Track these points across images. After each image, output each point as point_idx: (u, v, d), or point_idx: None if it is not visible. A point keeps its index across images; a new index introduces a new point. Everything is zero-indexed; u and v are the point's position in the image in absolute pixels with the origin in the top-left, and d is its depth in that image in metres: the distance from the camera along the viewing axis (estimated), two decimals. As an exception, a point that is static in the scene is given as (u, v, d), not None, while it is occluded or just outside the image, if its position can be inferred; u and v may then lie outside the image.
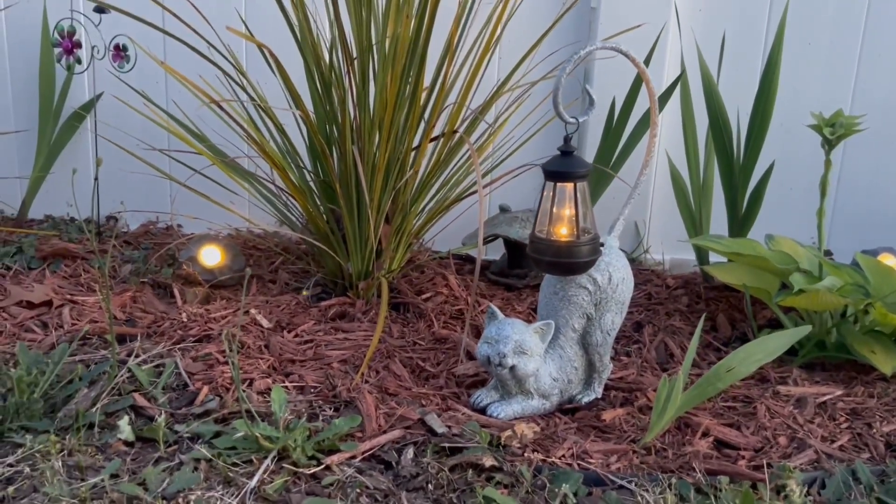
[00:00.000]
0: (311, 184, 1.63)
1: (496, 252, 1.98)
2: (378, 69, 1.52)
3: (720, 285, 1.81)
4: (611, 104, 1.79)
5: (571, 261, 1.17)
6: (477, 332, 1.51)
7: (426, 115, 1.60)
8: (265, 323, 1.48)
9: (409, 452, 1.09)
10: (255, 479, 1.02)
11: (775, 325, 1.65)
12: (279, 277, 1.76)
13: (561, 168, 1.15)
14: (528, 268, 1.86)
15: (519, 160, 1.88)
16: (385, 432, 1.14)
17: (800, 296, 1.44)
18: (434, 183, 1.68)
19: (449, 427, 1.16)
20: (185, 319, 1.47)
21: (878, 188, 2.00)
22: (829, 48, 1.90)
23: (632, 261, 2.03)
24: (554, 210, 1.17)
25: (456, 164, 1.72)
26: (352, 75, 1.47)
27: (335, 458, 1.07)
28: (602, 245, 1.21)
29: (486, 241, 1.88)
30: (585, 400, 1.28)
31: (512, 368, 1.19)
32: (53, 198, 2.14)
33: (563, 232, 1.18)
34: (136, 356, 1.33)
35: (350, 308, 1.57)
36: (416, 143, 1.61)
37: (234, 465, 1.05)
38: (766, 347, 1.17)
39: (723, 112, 1.72)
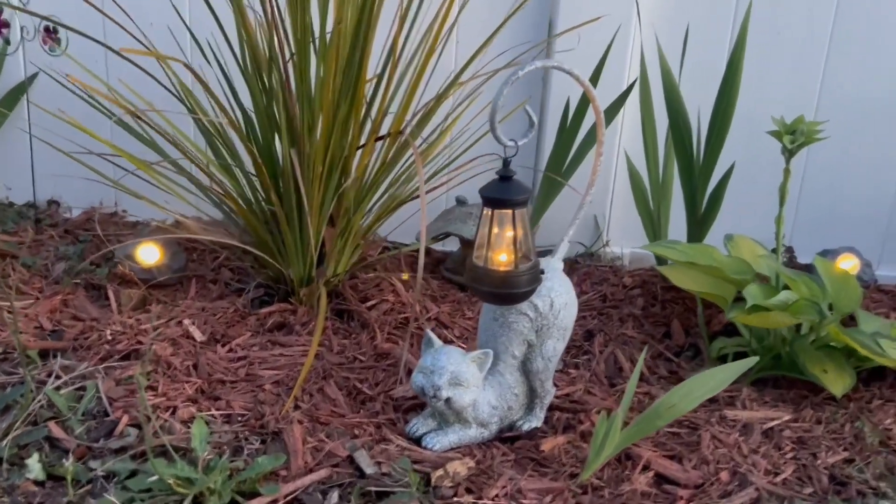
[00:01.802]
0: (247, 185, 1.55)
1: (454, 244, 1.92)
2: (318, 62, 1.43)
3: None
4: (565, 104, 1.71)
5: (510, 291, 1.11)
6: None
7: (373, 112, 1.52)
8: (198, 336, 1.42)
9: (334, 497, 1.04)
10: (168, 530, 0.97)
11: (732, 331, 1.61)
12: (221, 276, 1.69)
13: (499, 195, 1.09)
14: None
15: (480, 150, 1.81)
16: (312, 470, 1.09)
17: (751, 314, 1.39)
18: (382, 181, 1.61)
19: (380, 464, 1.11)
20: (113, 332, 1.40)
21: (844, 184, 1.95)
22: (798, 39, 1.83)
23: (590, 255, 1.98)
24: (492, 237, 1.11)
25: (407, 160, 1.64)
26: (284, 69, 1.38)
27: (254, 502, 1.02)
28: (543, 272, 1.15)
29: (438, 238, 1.82)
30: (526, 427, 1.24)
31: (447, 400, 1.14)
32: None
33: (501, 260, 1.12)
34: (57, 377, 1.26)
35: (291, 316, 1.51)
36: (362, 141, 1.54)
37: (148, 512, 1.00)
38: (709, 383, 1.13)
39: (683, 111, 1.65)
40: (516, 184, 1.10)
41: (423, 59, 1.50)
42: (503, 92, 1.04)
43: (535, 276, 1.13)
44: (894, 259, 1.97)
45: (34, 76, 1.96)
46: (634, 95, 1.78)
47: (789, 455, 1.22)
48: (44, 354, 1.35)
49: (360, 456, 1.10)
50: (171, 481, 1.00)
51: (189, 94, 1.55)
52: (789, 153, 1.48)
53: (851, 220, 1.97)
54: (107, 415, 1.19)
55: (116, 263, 1.65)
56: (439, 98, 1.61)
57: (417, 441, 1.19)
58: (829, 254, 1.86)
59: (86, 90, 1.51)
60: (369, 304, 1.54)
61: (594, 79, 1.63)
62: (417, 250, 1.88)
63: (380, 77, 1.52)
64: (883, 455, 1.23)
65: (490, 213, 1.10)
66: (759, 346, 1.53)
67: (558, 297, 1.18)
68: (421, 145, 1.68)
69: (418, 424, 1.21)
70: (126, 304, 1.58)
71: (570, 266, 1.91)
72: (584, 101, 1.64)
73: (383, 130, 1.52)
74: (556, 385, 1.39)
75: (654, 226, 1.79)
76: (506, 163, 1.09)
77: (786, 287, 1.46)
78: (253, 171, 1.55)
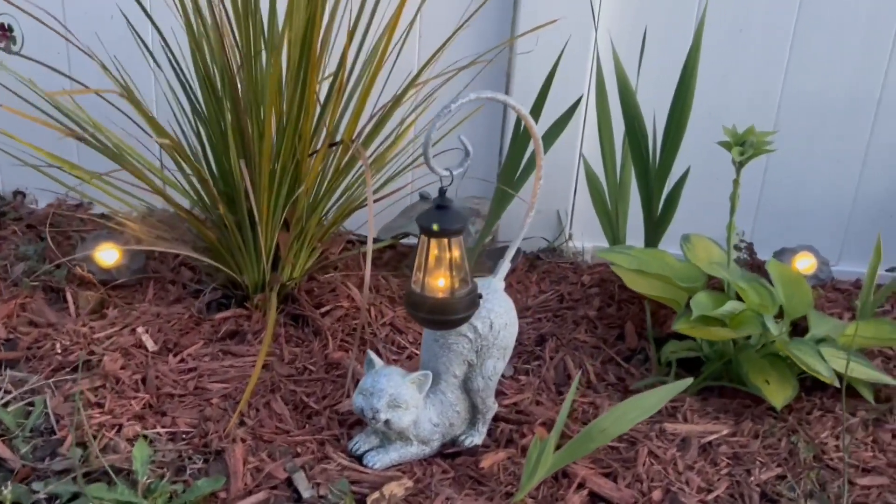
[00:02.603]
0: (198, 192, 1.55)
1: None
2: (266, 65, 1.42)
3: (636, 285, 1.78)
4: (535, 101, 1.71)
5: (446, 318, 1.12)
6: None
7: (326, 119, 1.52)
8: (150, 345, 1.43)
9: (270, 521, 1.07)
10: (103, 559, 0.99)
11: (684, 335, 1.63)
12: (181, 277, 1.70)
13: (434, 224, 1.10)
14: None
15: (446, 145, 1.81)
16: (251, 493, 1.12)
17: (693, 327, 1.41)
18: (339, 186, 1.61)
19: (318, 485, 1.13)
20: (64, 343, 1.41)
21: (806, 180, 1.95)
22: (760, 39, 1.82)
23: (552, 250, 1.99)
24: (428, 264, 1.12)
25: (368, 160, 1.64)
26: (230, 77, 1.38)
27: (192, 528, 1.05)
28: (480, 297, 1.16)
29: (398, 237, 1.83)
30: (468, 443, 1.26)
31: (386, 422, 1.16)
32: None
33: (437, 286, 1.13)
34: (7, 391, 1.28)
35: (246, 322, 1.53)
36: (318, 145, 1.54)
37: (86, 538, 1.02)
38: (642, 405, 1.15)
39: (638, 114, 1.65)
40: (453, 212, 1.10)
41: (376, 63, 1.49)
42: (436, 125, 1.04)
43: (473, 300, 1.14)
44: (854, 255, 1.98)
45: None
46: (591, 99, 1.77)
47: (724, 471, 1.25)
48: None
49: (299, 478, 1.13)
50: (108, 509, 1.03)
51: (138, 105, 1.54)
52: (739, 164, 1.48)
53: (813, 215, 1.98)
54: (53, 433, 1.21)
55: (75, 265, 1.66)
56: (397, 100, 1.61)
57: (360, 458, 1.21)
58: (786, 252, 1.87)
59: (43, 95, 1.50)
60: (324, 309, 1.56)
61: (547, 83, 1.62)
62: (384, 248, 1.90)
63: (333, 82, 1.51)
64: (815, 471, 1.26)
65: (427, 240, 1.11)
66: (711, 351, 1.55)
67: (498, 319, 1.20)
68: (379, 147, 1.68)
69: (360, 442, 1.23)
70: (84, 307, 1.59)
71: (531, 263, 1.92)
72: (537, 106, 1.63)
73: (344, 132, 1.52)
74: (504, 393, 1.42)
75: (612, 227, 1.80)
76: (441, 192, 1.10)
77: (737, 296, 1.48)
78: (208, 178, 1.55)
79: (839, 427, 1.35)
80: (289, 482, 1.14)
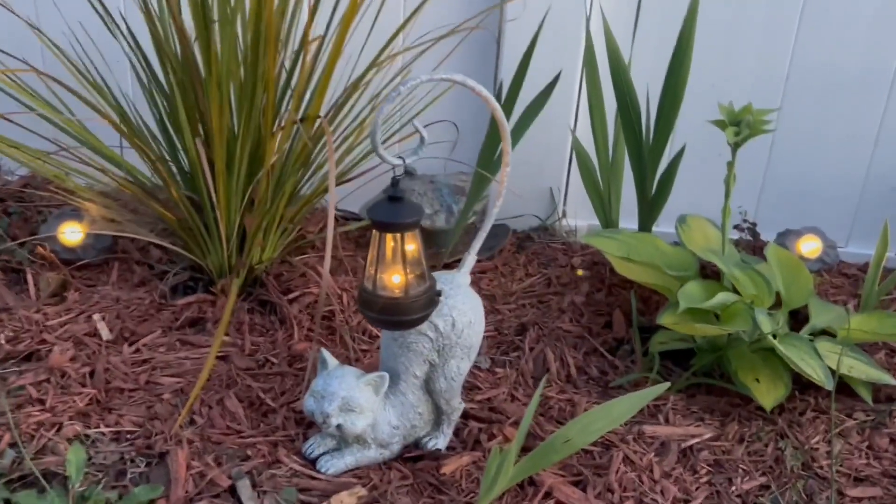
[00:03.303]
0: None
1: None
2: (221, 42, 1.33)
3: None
4: (498, 87, 1.61)
5: (400, 318, 1.04)
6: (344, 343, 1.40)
7: (287, 95, 1.43)
8: (105, 334, 1.36)
9: (207, 535, 1.00)
10: (25, 575, 0.93)
11: (672, 325, 1.54)
12: (149, 257, 1.63)
13: (387, 217, 1.01)
14: (432, 245, 1.72)
15: (434, 116, 1.72)
16: (191, 502, 1.05)
17: (678, 321, 1.32)
18: (312, 161, 1.52)
19: (263, 494, 1.06)
20: (15, 329, 1.35)
21: (815, 157, 1.84)
22: (766, 10, 1.70)
23: (544, 229, 1.90)
24: (380, 261, 1.03)
25: (344, 134, 1.55)
26: (183, 51, 1.29)
27: (124, 541, 0.98)
28: (439, 295, 1.08)
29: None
30: (431, 445, 1.19)
31: (339, 427, 1.09)
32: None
33: (393, 282, 1.04)
34: (-51, 384, 1.22)
35: (210, 309, 1.45)
36: (282, 123, 1.44)
37: (10, 551, 0.96)
38: (610, 414, 1.07)
39: (630, 90, 1.54)
40: (407, 205, 1.01)
41: (340, 31, 1.38)
42: (384, 111, 0.95)
43: (430, 299, 1.06)
44: (864, 237, 1.87)
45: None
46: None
47: (704, 479, 1.16)
48: (-57, 354, 1.30)
49: (243, 486, 1.06)
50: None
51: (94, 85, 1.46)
52: (734, 145, 1.37)
53: (821, 195, 1.87)
54: (-9, 431, 1.14)
55: (37, 244, 1.59)
56: (368, 69, 1.51)
57: (314, 462, 1.14)
58: (790, 234, 1.77)
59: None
60: (291, 296, 1.48)
61: (527, 55, 1.51)
62: (366, 227, 1.81)
63: (298, 51, 1.41)
64: (803, 480, 1.17)
65: (378, 234, 1.02)
66: (704, 342, 1.46)
67: (461, 316, 1.11)
68: (355, 120, 1.59)
69: (315, 444, 1.16)
70: (45, 290, 1.52)
71: (521, 242, 1.83)
72: (517, 80, 1.53)
73: (310, 106, 1.42)
74: (478, 388, 1.34)
75: (604, 208, 1.70)
76: (394, 182, 1.01)
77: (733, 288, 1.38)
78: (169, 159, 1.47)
79: (832, 431, 1.26)
80: (232, 490, 1.07)
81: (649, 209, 1.67)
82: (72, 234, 1.60)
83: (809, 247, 1.74)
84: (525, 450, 1.16)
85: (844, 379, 1.35)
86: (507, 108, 1.54)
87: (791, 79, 1.77)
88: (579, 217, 1.91)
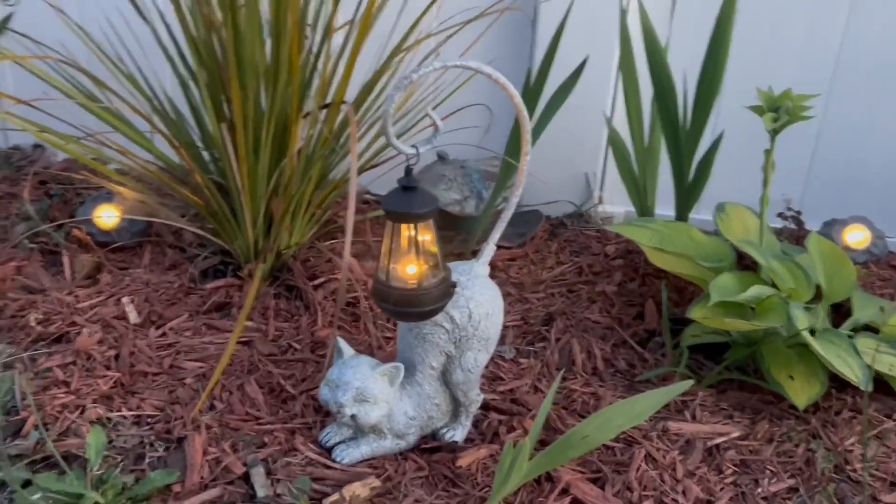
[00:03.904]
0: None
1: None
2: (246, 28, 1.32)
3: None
4: (526, 72, 1.57)
5: (414, 309, 1.02)
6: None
7: (314, 81, 1.42)
8: (133, 317, 1.38)
9: (218, 522, 1.01)
10: (40, 557, 0.95)
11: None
12: (182, 240, 1.64)
13: (400, 207, 0.99)
14: (460, 231, 1.70)
15: (466, 99, 1.69)
16: (206, 487, 1.06)
17: (708, 315, 1.28)
18: (343, 147, 1.51)
19: (277, 482, 1.07)
20: (47, 311, 1.37)
21: (865, 144, 1.76)
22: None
23: (579, 216, 1.86)
24: (394, 252, 1.02)
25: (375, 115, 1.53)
26: (209, 37, 1.28)
27: (138, 525, 1.00)
28: (454, 286, 1.06)
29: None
30: (448, 437, 1.17)
31: (353, 417, 1.08)
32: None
33: (407, 273, 1.03)
34: (-19, 365, 1.25)
35: (237, 293, 1.46)
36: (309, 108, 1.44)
37: (28, 532, 0.98)
38: (632, 411, 1.03)
39: (667, 72, 1.49)
40: (420, 194, 0.99)
41: (365, 15, 1.36)
42: (394, 98, 0.93)
43: (445, 290, 1.04)
44: (915, 226, 1.79)
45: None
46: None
47: (729, 480, 1.13)
48: (-22, 335, 1.33)
49: (256, 474, 1.06)
50: (44, 501, 0.98)
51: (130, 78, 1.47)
52: (773, 132, 1.32)
53: (870, 183, 1.79)
54: (18, 412, 1.17)
55: (73, 227, 1.62)
56: (394, 51, 1.49)
57: (330, 451, 1.14)
58: (836, 224, 1.70)
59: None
60: (317, 281, 1.47)
61: (557, 35, 1.47)
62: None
63: (324, 35, 1.40)
64: (835, 484, 1.12)
65: (392, 224, 1.01)
66: (739, 335, 1.42)
67: (478, 308, 1.09)
68: (380, 105, 1.57)
69: (331, 433, 1.16)
70: (79, 272, 1.55)
71: (553, 230, 1.80)
72: (546, 64, 1.49)
73: (336, 91, 1.41)
74: (501, 378, 1.32)
75: (639, 194, 1.66)
76: (408, 171, 0.99)
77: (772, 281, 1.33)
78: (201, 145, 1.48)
79: (870, 432, 1.21)
80: (247, 477, 1.07)
81: (686, 196, 1.62)
82: (107, 217, 1.63)
83: (856, 237, 1.67)
84: (544, 444, 1.14)
85: (885, 378, 1.29)
86: (535, 92, 1.50)
87: (841, 61, 1.69)
88: (616, 203, 1.87)
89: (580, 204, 1.87)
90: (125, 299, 1.41)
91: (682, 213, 1.64)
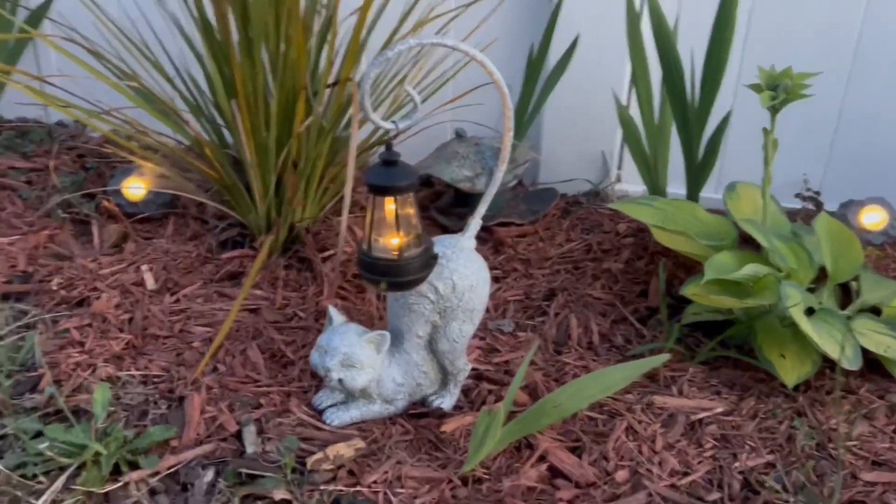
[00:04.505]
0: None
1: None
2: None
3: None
4: (530, 47, 1.58)
5: (396, 279, 1.07)
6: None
7: (322, 57, 1.46)
8: (150, 283, 1.46)
9: (209, 475, 1.07)
10: (43, 499, 1.03)
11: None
12: (205, 212, 1.72)
13: (380, 181, 1.03)
14: (472, 208, 1.73)
15: (483, 78, 1.71)
16: (201, 443, 1.12)
17: (699, 293, 1.29)
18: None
19: (267, 440, 1.13)
20: (70, 277, 1.46)
21: (887, 123, 1.73)
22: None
23: (595, 194, 1.88)
24: (376, 224, 1.06)
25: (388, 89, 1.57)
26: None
27: (135, 475, 1.07)
28: (434, 258, 1.09)
29: (420, 179, 1.76)
30: (437, 404, 1.22)
31: (340, 381, 1.13)
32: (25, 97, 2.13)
33: (387, 245, 1.07)
34: (7, 324, 1.34)
35: (250, 263, 1.52)
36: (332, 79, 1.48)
37: (34, 476, 1.06)
38: (605, 382, 1.06)
39: (673, 49, 1.50)
40: (401, 168, 1.03)
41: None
42: (370, 75, 0.96)
43: (426, 261, 1.08)
44: (938, 209, 1.75)
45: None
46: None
47: (707, 454, 1.15)
48: (8, 297, 1.42)
49: (247, 432, 1.13)
50: (58, 444, 1.06)
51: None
52: (772, 110, 1.32)
53: (891, 164, 1.76)
54: (37, 369, 1.25)
55: (103, 199, 1.70)
56: (394, 30, 1.52)
57: (322, 413, 1.20)
58: (853, 205, 1.68)
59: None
60: (326, 254, 1.53)
61: (555, 12, 1.49)
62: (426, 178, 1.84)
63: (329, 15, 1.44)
64: (814, 461, 1.13)
65: (373, 199, 1.05)
66: (741, 313, 1.42)
67: (462, 280, 1.13)
68: (395, 76, 1.61)
69: (324, 397, 1.21)
70: (108, 241, 1.63)
71: (567, 207, 1.82)
72: (546, 40, 1.51)
73: (343, 67, 1.45)
74: (497, 350, 1.36)
75: (650, 173, 1.67)
76: (388, 146, 1.03)
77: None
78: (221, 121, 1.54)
79: (856, 412, 1.21)
80: (239, 435, 1.13)
81: (697, 175, 1.62)
82: (135, 189, 1.71)
83: (873, 218, 1.65)
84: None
85: (880, 359, 1.29)
86: (535, 69, 1.52)
87: (863, 40, 1.66)
88: (633, 182, 1.87)
89: (597, 182, 1.88)
90: (144, 267, 1.49)
91: (692, 192, 1.65)
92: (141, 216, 1.70)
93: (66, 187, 1.79)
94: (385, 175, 1.03)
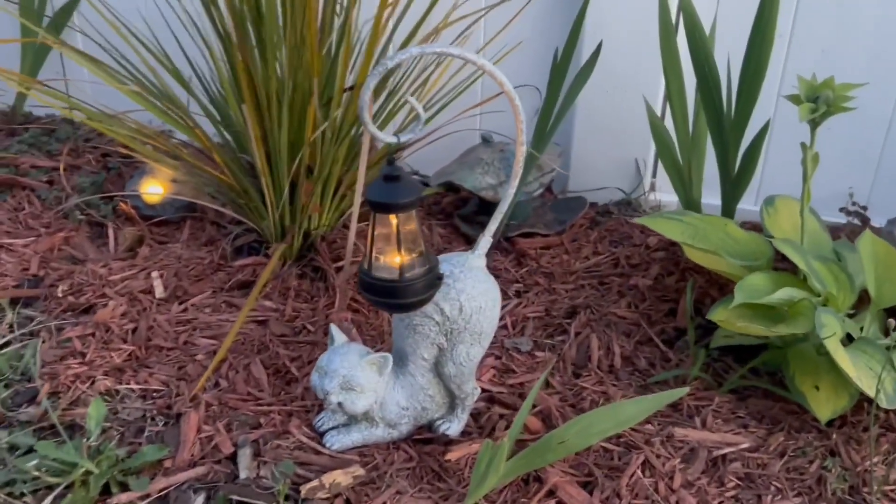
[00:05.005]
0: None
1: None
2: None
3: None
4: (554, 51, 1.51)
5: (398, 301, 1.01)
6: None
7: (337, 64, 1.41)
8: (159, 291, 1.42)
9: (199, 501, 1.03)
10: (28, 521, 1.00)
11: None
12: (222, 217, 1.68)
13: (381, 198, 0.97)
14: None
15: (519, 78, 1.65)
16: (194, 465, 1.08)
17: (727, 319, 1.21)
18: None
19: (262, 465, 1.08)
20: (79, 283, 1.43)
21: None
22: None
23: (627, 204, 1.79)
24: (378, 242, 1.00)
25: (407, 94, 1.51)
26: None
27: (124, 497, 1.03)
28: (440, 278, 1.03)
29: (443, 185, 1.70)
30: (443, 430, 1.16)
31: (339, 405, 1.08)
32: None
33: (388, 264, 1.01)
34: (11, 330, 1.32)
35: (262, 271, 1.48)
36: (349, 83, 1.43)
37: (22, 495, 1.03)
38: (617, 417, 0.99)
39: (709, 55, 1.41)
40: (403, 185, 0.97)
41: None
42: (370, 86, 0.91)
43: (430, 282, 1.02)
44: None
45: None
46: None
47: (729, 493, 1.07)
48: (16, 302, 1.40)
49: (243, 455, 1.08)
50: (49, 463, 1.02)
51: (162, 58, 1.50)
52: (812, 124, 1.23)
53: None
54: (35, 380, 1.22)
55: (119, 201, 1.68)
56: (411, 34, 1.46)
57: (323, 435, 1.15)
58: (901, 222, 1.57)
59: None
60: (340, 263, 1.48)
61: (581, 15, 1.41)
62: (440, 194, 1.79)
63: (344, 20, 1.39)
64: (847, 506, 1.05)
65: (374, 216, 0.99)
66: (776, 338, 1.34)
67: (470, 302, 1.06)
68: (416, 81, 1.55)
69: (325, 418, 1.16)
70: (123, 244, 1.61)
71: (597, 217, 1.74)
72: (571, 44, 1.43)
73: (359, 73, 1.40)
74: (513, 371, 1.30)
75: (683, 184, 1.58)
76: (390, 161, 0.97)
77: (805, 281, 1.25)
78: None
79: (895, 453, 1.12)
80: (235, 457, 1.09)
81: (732, 188, 1.53)
82: (152, 192, 1.68)
83: (922, 237, 1.54)
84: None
85: (922, 394, 1.19)
86: (560, 73, 1.45)
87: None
88: (668, 191, 1.79)
89: (630, 191, 1.80)
90: (154, 273, 1.46)
91: (728, 206, 1.56)
92: (158, 219, 1.67)
93: (86, 188, 1.77)
94: (386, 191, 0.97)
